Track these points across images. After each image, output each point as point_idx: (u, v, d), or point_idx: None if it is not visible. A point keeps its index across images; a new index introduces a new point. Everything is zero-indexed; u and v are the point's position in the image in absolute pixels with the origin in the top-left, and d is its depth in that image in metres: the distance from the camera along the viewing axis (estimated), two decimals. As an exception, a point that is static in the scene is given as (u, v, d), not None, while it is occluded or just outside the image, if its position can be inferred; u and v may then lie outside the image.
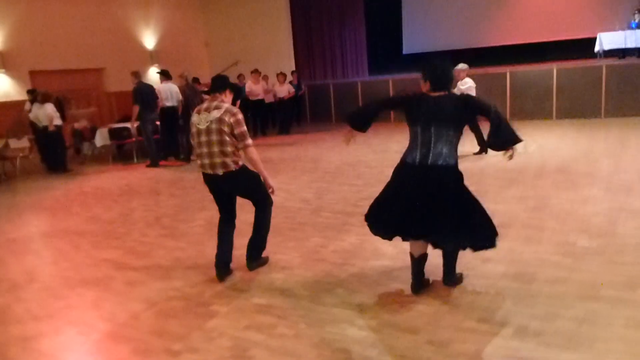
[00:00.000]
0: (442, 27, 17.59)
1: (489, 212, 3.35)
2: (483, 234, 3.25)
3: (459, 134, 3.26)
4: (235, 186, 4.00)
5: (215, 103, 3.84)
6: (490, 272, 3.70)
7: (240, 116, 3.82)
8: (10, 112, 10.75)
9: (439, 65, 3.27)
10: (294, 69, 14.46)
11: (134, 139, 10.70)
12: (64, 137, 10.10)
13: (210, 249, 4.73)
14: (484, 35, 16.87)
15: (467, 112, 3.31)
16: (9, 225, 6.25)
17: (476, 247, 3.29)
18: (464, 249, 3.33)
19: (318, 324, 3.17)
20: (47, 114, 9.36)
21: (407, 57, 18.44)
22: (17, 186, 8.96)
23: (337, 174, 7.55)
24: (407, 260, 4.00)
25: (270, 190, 4.10)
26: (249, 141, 3.84)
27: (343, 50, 16.89)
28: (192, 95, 9.67)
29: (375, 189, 6.13)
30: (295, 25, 15.28)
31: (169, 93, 9.70)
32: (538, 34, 15.94)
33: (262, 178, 4.00)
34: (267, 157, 9.73)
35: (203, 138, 3.81)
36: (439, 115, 3.18)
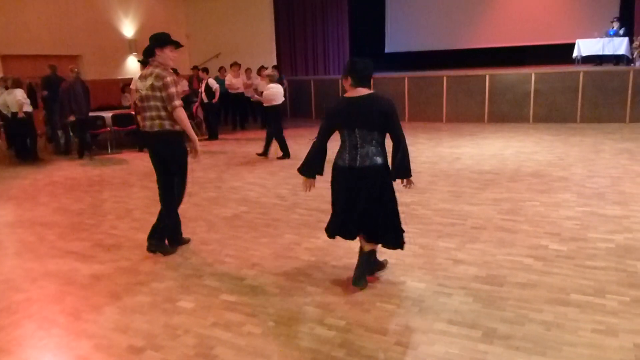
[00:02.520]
0: (425, 27, 17.66)
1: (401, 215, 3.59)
2: (395, 233, 3.49)
3: (384, 135, 3.41)
4: (164, 147, 4.27)
5: (150, 69, 4.18)
6: (462, 273, 3.69)
7: (168, 79, 4.10)
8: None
9: (359, 60, 3.38)
10: (275, 63, 14.33)
11: (108, 128, 10.49)
12: (35, 124, 9.81)
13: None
14: (466, 38, 16.99)
15: (387, 122, 3.34)
16: (-28, 214, 6.03)
17: (388, 245, 3.54)
18: (377, 244, 3.56)
19: (287, 322, 3.12)
20: (16, 99, 9.05)
21: (389, 55, 18.46)
22: (-15, 173, 8.67)
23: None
24: (380, 259, 3.98)
25: (195, 154, 4.38)
26: (176, 102, 4.14)
27: (325, 47, 16.81)
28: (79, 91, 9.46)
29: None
30: (278, 19, 15.15)
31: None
32: (518, 37, 16.11)
33: (190, 138, 4.32)
34: (245, 151, 9.63)
35: (145, 103, 4.20)
36: (361, 119, 3.30)
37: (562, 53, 13.72)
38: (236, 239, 4.69)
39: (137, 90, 4.33)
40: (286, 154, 8.58)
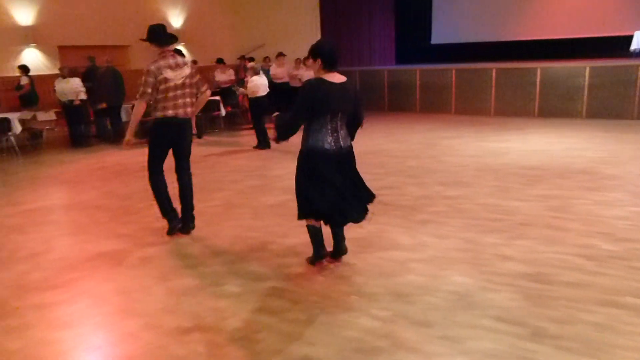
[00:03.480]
0: (473, 18, 17.21)
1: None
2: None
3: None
4: (190, 132, 4.61)
5: (177, 59, 4.40)
6: (509, 270, 3.61)
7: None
8: (40, 85, 10.86)
9: (326, 43, 3.49)
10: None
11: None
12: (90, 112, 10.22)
13: (226, 229, 4.75)
14: (516, 29, 16.47)
15: (356, 106, 3.62)
16: (31, 196, 6.34)
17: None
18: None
19: (332, 311, 3.14)
20: (73, 88, 9.46)
21: (435, 47, 18.10)
22: (42, 158, 9.08)
23: (358, 162, 7.44)
24: (423, 252, 3.97)
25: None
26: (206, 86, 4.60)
27: (371, 37, 16.64)
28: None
29: (396, 178, 6.09)
30: (323, 8, 15.10)
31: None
32: (572, 29, 15.49)
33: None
34: (288, 142, 9.67)
35: (179, 91, 4.38)
36: (346, 104, 3.50)
37: (618, 45, 13.12)
38: (281, 227, 4.74)
39: (164, 80, 4.30)
40: (264, 145, 8.93)
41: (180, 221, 4.67)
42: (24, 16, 11.70)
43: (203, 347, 2.80)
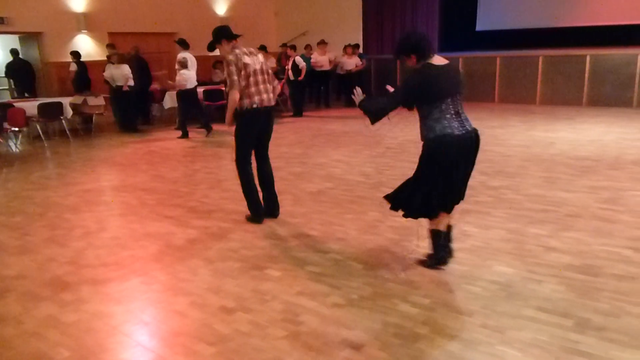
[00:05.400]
0: (520, 3, 16.63)
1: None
2: None
3: None
4: (273, 119, 4.60)
5: (246, 48, 4.40)
6: (554, 261, 3.55)
7: None
8: (92, 70, 11.27)
9: (412, 35, 3.28)
10: (361, 42, 14.25)
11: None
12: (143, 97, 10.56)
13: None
14: (565, 15, 15.82)
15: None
16: (84, 177, 6.63)
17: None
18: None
19: (371, 296, 3.18)
20: (123, 74, 9.79)
21: (480, 34, 17.62)
22: (92, 142, 9.45)
23: (399, 150, 7.44)
24: (464, 241, 3.94)
25: None
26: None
27: (414, 24, 16.36)
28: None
29: (437, 168, 6.01)
30: (367, -4, 14.97)
31: (190, 62, 9.91)
32: (624, 15, 14.73)
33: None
34: (329, 129, 9.73)
35: (260, 77, 4.36)
36: (459, 85, 3.30)
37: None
38: (321, 214, 4.80)
39: (244, 66, 4.27)
40: (185, 135, 9.31)
41: (264, 210, 4.67)
42: (77, 2, 12.12)
43: (246, 327, 2.89)
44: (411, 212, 3.47)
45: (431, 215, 3.45)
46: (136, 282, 3.54)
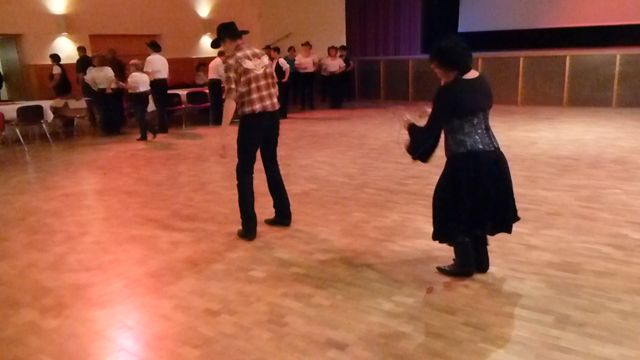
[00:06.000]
0: (501, 5, 16.85)
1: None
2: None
3: None
4: (278, 125, 4.36)
5: (252, 50, 4.18)
6: (535, 259, 3.60)
7: None
8: (73, 73, 11.14)
9: (452, 45, 3.06)
10: (344, 43, 14.30)
11: (183, 105, 10.94)
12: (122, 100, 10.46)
13: (255, 215, 4.81)
14: (545, 16, 16.06)
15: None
16: (66, 181, 6.55)
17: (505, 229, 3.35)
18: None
19: (355, 297, 3.19)
20: (107, 76, 9.70)
21: (462, 35, 17.66)
22: (74, 145, 9.34)
23: (383, 151, 7.48)
24: (449, 241, 3.96)
25: None
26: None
27: (397, 26, 16.46)
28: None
29: (422, 168, 6.05)
30: (349, -2, 15.04)
31: (160, 65, 9.95)
32: (603, 16, 15.02)
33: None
34: (313, 130, 9.74)
35: (262, 82, 4.14)
36: (489, 98, 3.16)
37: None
38: (306, 215, 4.81)
39: (245, 72, 4.03)
40: (143, 137, 9.39)
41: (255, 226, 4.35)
42: (57, 4, 11.97)
43: (230, 329, 2.88)
44: (447, 235, 3.29)
45: (469, 235, 3.24)
46: (119, 286, 3.51)
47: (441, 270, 3.44)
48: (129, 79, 9.24)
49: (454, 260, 3.42)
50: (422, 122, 3.25)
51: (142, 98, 9.32)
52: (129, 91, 9.35)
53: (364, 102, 13.91)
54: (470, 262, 3.34)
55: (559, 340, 2.62)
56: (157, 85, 9.94)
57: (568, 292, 3.10)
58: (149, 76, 9.85)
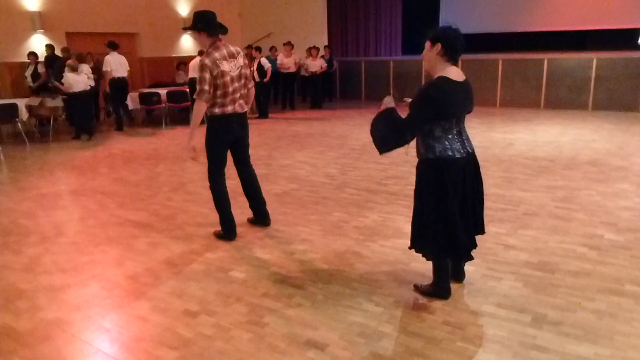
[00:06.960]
0: (481, 8, 17.10)
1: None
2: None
3: None
4: (247, 126, 4.30)
5: (230, 48, 4.00)
6: (512, 259, 3.65)
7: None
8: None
9: (449, 27, 2.86)
10: (326, 43, 14.31)
11: (163, 104, 10.82)
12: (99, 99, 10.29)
13: (233, 216, 4.78)
14: (524, 20, 16.35)
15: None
16: (41, 181, 6.42)
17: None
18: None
19: (335, 297, 3.19)
20: (84, 78, 9.49)
21: (442, 38, 17.96)
22: (50, 145, 9.16)
23: (363, 151, 7.51)
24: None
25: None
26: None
27: (378, 27, 16.58)
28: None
29: (402, 169, 6.12)
30: (331, -1, 15.06)
31: (118, 64, 9.94)
32: (580, 21, 15.36)
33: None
34: (294, 130, 9.73)
35: (237, 84, 4.01)
36: (469, 106, 2.99)
37: (626, 38, 13.04)
38: (286, 215, 4.79)
39: (221, 74, 3.87)
40: (77, 137, 9.54)
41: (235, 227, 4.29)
42: (31, 1, 11.72)
43: (210, 330, 2.86)
44: (432, 251, 3.06)
45: (459, 251, 2.99)
46: (96, 287, 3.45)
47: (417, 289, 3.24)
48: (63, 80, 9.22)
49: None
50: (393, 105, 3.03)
51: (76, 98, 9.30)
52: (65, 91, 9.33)
53: (344, 102, 13.94)
54: (447, 283, 3.14)
55: (536, 339, 2.66)
56: (115, 84, 9.95)
57: (545, 292, 3.15)
58: (107, 75, 9.81)
